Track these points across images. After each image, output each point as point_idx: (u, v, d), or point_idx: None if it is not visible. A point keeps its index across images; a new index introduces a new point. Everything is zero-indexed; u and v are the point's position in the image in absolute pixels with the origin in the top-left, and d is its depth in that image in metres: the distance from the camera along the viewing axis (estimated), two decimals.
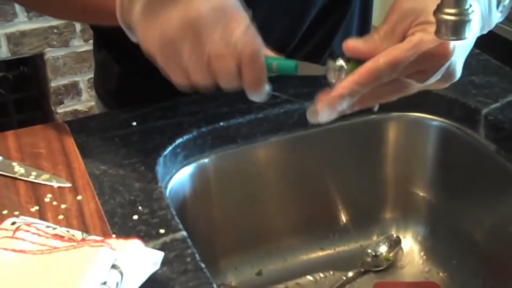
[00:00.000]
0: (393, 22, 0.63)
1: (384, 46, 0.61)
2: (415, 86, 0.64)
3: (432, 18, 0.57)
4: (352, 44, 0.63)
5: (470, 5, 0.54)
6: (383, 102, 0.66)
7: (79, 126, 0.85)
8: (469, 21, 0.54)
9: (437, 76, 0.62)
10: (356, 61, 0.62)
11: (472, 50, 1.00)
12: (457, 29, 0.54)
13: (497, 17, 0.69)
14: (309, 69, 0.64)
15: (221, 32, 0.61)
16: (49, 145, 0.81)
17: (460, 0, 0.53)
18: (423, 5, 0.62)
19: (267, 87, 0.64)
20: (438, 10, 0.54)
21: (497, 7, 0.69)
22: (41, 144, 0.81)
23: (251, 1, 0.83)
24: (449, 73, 0.63)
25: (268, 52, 0.64)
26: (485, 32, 0.70)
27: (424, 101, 0.92)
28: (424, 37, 0.60)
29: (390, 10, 0.64)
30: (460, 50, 0.63)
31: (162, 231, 0.68)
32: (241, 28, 0.61)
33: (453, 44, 0.60)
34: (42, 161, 0.78)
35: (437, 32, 0.56)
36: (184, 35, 0.61)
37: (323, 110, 0.63)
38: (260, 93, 0.64)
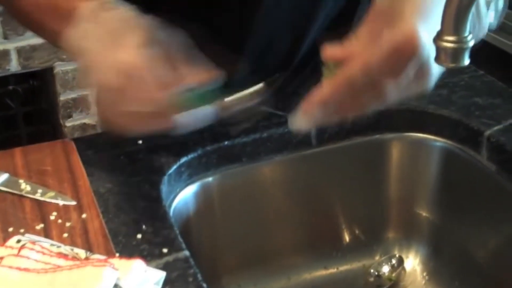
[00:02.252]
0: (370, 24, 0.62)
1: (362, 48, 0.61)
2: (393, 92, 0.62)
3: (405, 21, 0.58)
4: (331, 51, 0.63)
5: (470, 33, 0.55)
6: (363, 113, 0.65)
7: (86, 143, 0.86)
8: (468, 48, 0.55)
9: (410, 74, 0.61)
10: (336, 65, 0.62)
11: (477, 72, 1.02)
12: (456, 56, 0.55)
13: (490, 20, 0.69)
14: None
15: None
16: (56, 162, 0.82)
17: (460, 27, 0.54)
18: (398, 7, 0.61)
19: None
20: (438, 37, 0.55)
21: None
22: (47, 161, 0.82)
23: (252, 21, 0.84)
24: (423, 71, 0.62)
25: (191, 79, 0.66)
26: (480, 37, 0.69)
27: (428, 122, 0.93)
28: (388, 35, 0.59)
29: (367, 13, 0.64)
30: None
31: (165, 250, 0.68)
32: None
33: (422, 39, 0.59)
34: (48, 178, 0.79)
35: (437, 58, 0.57)
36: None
37: (298, 116, 0.63)
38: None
